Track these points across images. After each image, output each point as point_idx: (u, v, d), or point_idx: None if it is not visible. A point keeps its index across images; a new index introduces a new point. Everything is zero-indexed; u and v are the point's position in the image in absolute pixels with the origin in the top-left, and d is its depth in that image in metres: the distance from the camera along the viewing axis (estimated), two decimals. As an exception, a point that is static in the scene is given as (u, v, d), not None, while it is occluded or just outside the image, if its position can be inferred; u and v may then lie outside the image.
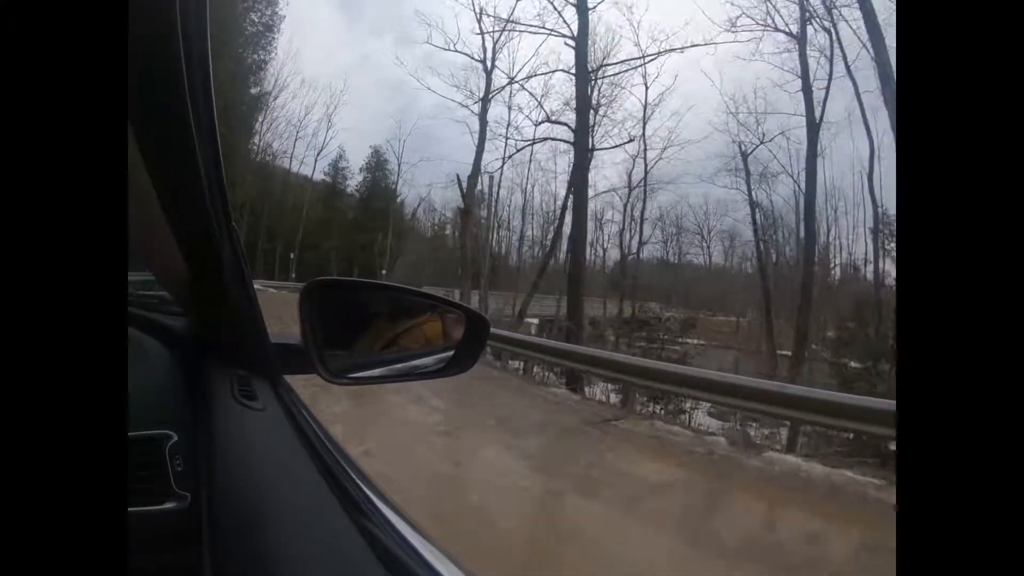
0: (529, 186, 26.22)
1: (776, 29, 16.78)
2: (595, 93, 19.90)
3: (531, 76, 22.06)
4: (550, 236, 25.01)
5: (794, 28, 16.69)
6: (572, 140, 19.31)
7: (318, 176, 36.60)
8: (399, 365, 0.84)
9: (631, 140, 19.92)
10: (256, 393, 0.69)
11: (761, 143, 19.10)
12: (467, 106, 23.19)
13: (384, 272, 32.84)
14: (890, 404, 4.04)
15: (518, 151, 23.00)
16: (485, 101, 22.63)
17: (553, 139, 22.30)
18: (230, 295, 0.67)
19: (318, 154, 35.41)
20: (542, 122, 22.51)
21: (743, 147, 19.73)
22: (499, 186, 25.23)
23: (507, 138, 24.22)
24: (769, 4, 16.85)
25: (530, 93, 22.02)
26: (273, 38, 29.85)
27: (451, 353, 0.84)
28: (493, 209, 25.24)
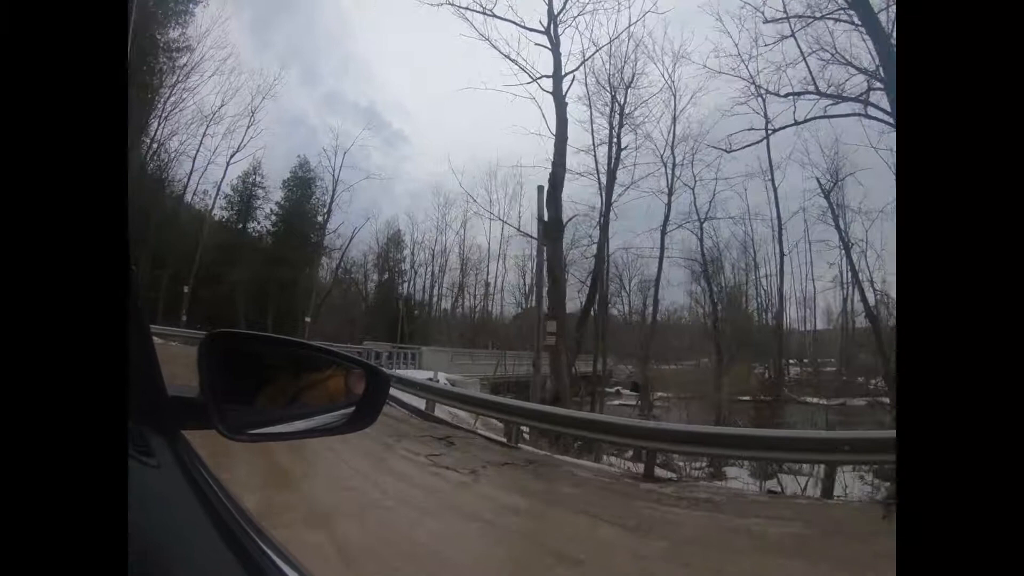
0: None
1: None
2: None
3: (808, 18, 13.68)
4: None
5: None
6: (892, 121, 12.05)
7: (226, 188, 27.86)
8: (301, 422, 0.85)
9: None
10: (151, 448, 0.67)
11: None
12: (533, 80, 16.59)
13: (308, 319, 25.92)
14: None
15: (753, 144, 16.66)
16: (558, 79, 16.46)
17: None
18: (127, 347, 0.65)
19: (231, 158, 26.48)
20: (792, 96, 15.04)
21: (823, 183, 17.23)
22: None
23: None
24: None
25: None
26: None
27: (352, 409, 0.86)
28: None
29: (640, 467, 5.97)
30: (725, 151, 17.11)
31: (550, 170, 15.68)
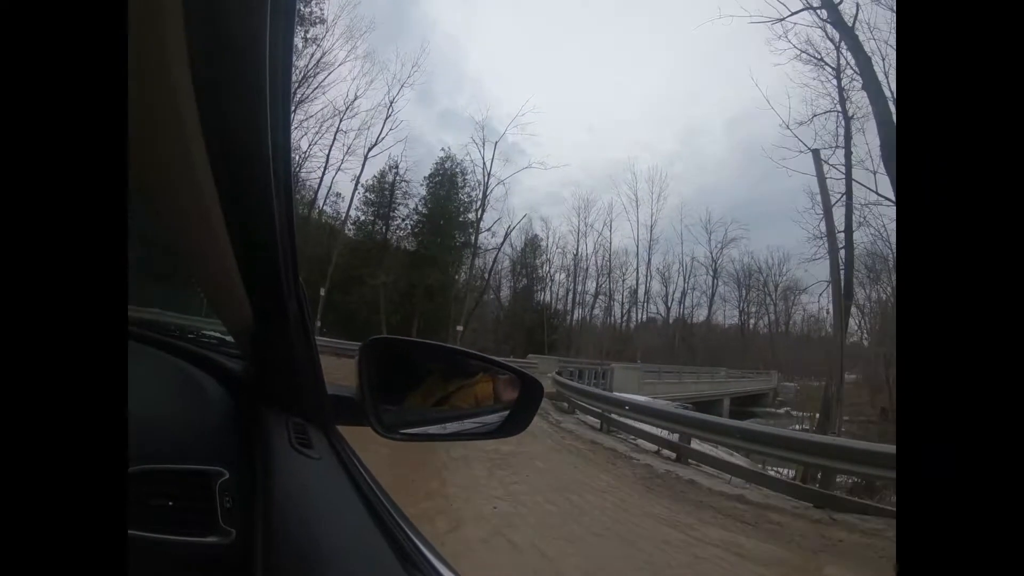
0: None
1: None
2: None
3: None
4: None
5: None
6: None
7: (361, 186, 24.72)
8: (451, 424, 0.90)
9: None
10: (311, 441, 0.74)
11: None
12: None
13: (460, 328, 22.70)
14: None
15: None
16: (830, 4, 12.70)
17: None
18: (293, 346, 0.74)
19: (368, 151, 23.95)
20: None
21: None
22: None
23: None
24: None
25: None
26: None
27: (504, 414, 0.90)
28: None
29: None
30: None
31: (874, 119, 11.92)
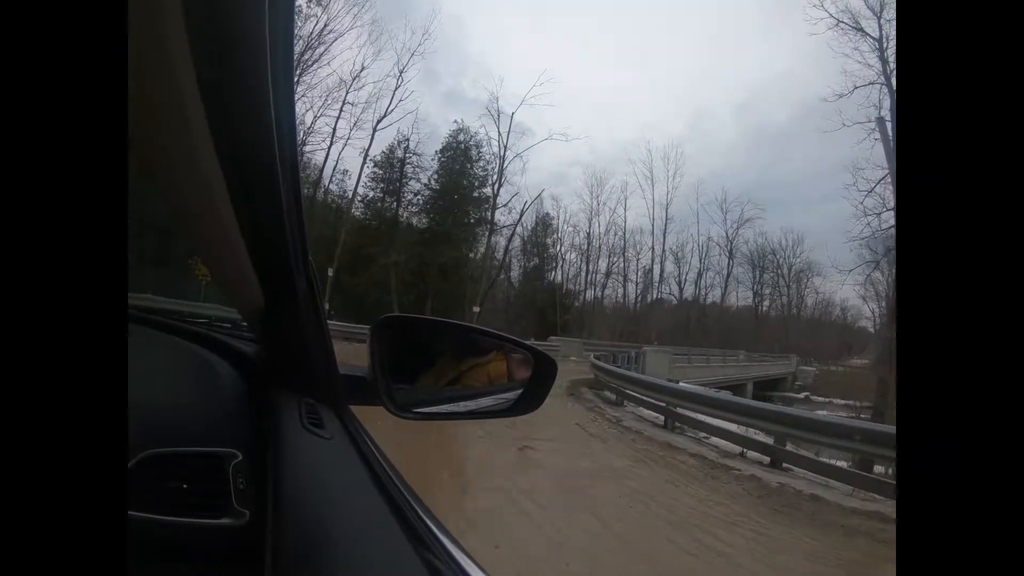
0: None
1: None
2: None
3: None
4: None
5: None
6: None
7: (370, 163, 23.16)
8: (465, 402, 0.90)
9: None
10: (323, 421, 0.75)
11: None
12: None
13: (477, 309, 21.50)
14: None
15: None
16: None
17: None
18: (304, 326, 0.74)
19: (377, 123, 22.50)
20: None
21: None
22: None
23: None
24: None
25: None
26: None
27: (517, 392, 0.90)
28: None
29: None
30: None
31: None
